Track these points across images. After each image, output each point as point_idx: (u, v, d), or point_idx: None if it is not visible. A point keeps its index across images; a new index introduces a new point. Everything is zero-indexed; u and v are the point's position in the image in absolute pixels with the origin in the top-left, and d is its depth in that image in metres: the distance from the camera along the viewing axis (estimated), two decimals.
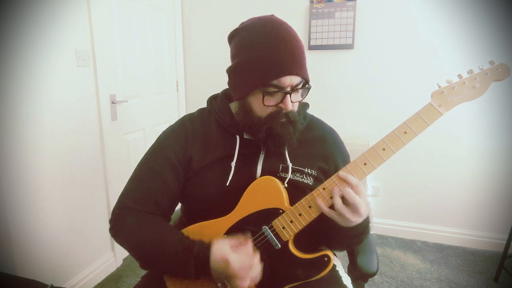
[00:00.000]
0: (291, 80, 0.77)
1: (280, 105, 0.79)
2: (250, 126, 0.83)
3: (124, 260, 2.13)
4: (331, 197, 0.78)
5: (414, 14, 2.16)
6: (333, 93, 2.42)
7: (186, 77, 2.75)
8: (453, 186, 2.29)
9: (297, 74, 0.77)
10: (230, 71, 0.84)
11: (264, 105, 0.78)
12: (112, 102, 1.95)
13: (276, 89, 0.77)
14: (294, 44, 0.77)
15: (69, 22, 1.63)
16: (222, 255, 0.73)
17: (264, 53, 0.76)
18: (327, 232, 0.84)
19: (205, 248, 0.76)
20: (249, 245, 0.76)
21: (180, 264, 0.76)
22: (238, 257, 0.73)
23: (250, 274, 0.74)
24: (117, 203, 0.87)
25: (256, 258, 0.76)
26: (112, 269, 2.04)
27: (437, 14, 2.11)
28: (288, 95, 0.78)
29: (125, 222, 0.84)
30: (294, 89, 0.78)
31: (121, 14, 1.99)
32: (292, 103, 0.79)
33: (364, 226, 0.82)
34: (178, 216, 1.08)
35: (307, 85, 0.81)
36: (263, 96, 0.77)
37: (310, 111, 1.00)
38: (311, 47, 2.37)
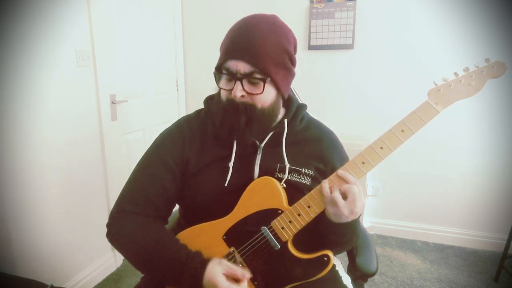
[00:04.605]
0: (237, 65, 0.77)
1: (233, 91, 0.79)
2: (216, 111, 0.86)
3: (124, 260, 2.13)
4: None
5: (414, 14, 2.16)
6: (332, 93, 2.42)
7: (186, 77, 2.75)
8: (453, 186, 2.29)
9: (244, 61, 0.77)
10: None
11: (222, 89, 0.82)
12: (112, 102, 1.95)
13: (226, 73, 0.79)
14: (255, 36, 0.77)
15: (69, 22, 1.63)
16: (213, 280, 0.73)
17: (224, 38, 0.82)
18: (320, 230, 0.84)
19: (201, 264, 0.76)
20: (245, 283, 0.75)
21: (175, 277, 0.76)
22: (228, 287, 0.72)
23: None
24: (114, 207, 0.87)
25: None
26: (112, 269, 2.04)
27: (436, 13, 2.11)
28: (237, 81, 0.78)
29: (122, 227, 0.84)
30: (247, 76, 0.78)
31: (121, 14, 1.99)
32: (249, 94, 0.79)
33: (354, 227, 0.82)
34: (176, 218, 1.08)
35: (265, 78, 0.78)
36: (220, 77, 0.82)
37: (310, 110, 1.00)
38: (311, 47, 2.37)
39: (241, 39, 0.78)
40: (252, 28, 0.78)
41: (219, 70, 0.82)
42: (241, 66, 0.77)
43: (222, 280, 0.73)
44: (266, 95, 0.81)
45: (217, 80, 0.85)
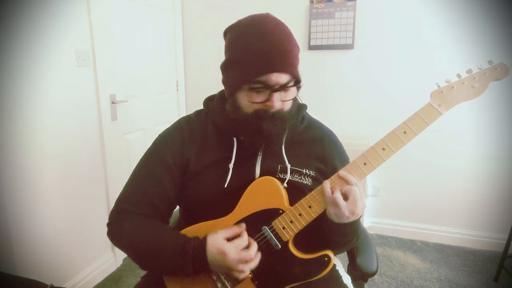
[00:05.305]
0: (278, 77, 0.75)
1: (267, 103, 0.78)
2: (238, 123, 0.82)
3: (124, 260, 2.13)
4: None
5: (414, 14, 2.16)
6: (333, 93, 2.42)
7: (186, 77, 2.75)
8: (453, 186, 2.29)
9: (285, 72, 0.76)
10: (222, 67, 0.85)
11: (250, 102, 0.78)
12: (112, 102, 1.95)
13: (262, 86, 0.76)
14: (285, 42, 0.76)
15: (69, 22, 1.63)
16: (218, 247, 0.74)
17: (253, 49, 0.75)
18: (320, 230, 0.84)
19: (200, 243, 0.76)
20: (245, 235, 0.76)
21: (178, 262, 0.76)
22: (234, 247, 0.74)
23: (249, 264, 0.75)
24: (114, 207, 0.88)
25: (254, 246, 0.76)
26: (112, 269, 2.04)
27: (437, 13, 2.11)
28: (275, 93, 0.77)
29: (122, 226, 0.84)
30: (283, 87, 0.77)
31: (121, 14, 1.99)
32: (282, 102, 0.79)
33: (355, 227, 0.82)
34: (176, 219, 1.08)
35: (297, 84, 0.80)
36: (253, 92, 0.77)
37: (310, 110, 1.00)
38: (311, 47, 2.37)
39: (277, 49, 0.75)
40: (279, 34, 0.76)
41: (248, 83, 0.77)
42: (283, 78, 0.76)
43: (227, 245, 0.73)
44: (292, 98, 0.83)
45: (236, 91, 0.80)
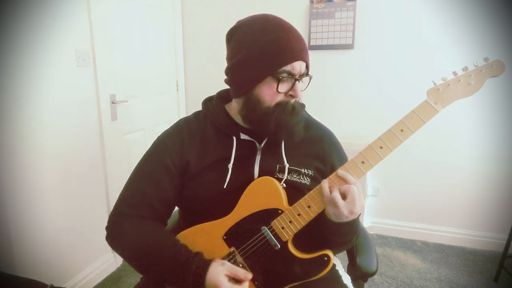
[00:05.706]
0: (300, 66, 0.79)
1: (291, 92, 0.81)
2: (257, 119, 0.82)
3: (124, 260, 2.12)
4: None
5: (414, 14, 2.16)
6: (332, 93, 2.42)
7: (186, 77, 2.75)
8: (453, 186, 2.29)
9: (304, 60, 0.80)
10: (233, 66, 0.83)
11: (277, 92, 0.79)
12: (112, 102, 1.95)
13: (288, 75, 0.79)
14: (299, 33, 0.82)
15: (69, 22, 1.63)
16: (215, 281, 0.73)
17: (275, 40, 0.77)
18: (320, 229, 0.84)
19: (203, 265, 0.76)
20: (246, 283, 0.75)
21: (178, 278, 0.76)
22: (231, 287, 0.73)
23: None
24: (113, 210, 0.87)
25: None
26: (112, 269, 2.04)
27: (437, 13, 2.11)
28: (297, 82, 0.80)
29: (121, 229, 0.84)
30: (302, 76, 0.81)
31: (121, 14, 1.99)
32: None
33: (354, 227, 0.82)
34: (175, 219, 1.08)
35: (309, 74, 0.84)
36: (278, 82, 0.78)
37: (310, 110, 1.00)
38: (311, 47, 2.37)
39: (296, 40, 0.79)
40: (293, 28, 0.81)
41: (274, 74, 0.78)
42: (303, 66, 0.81)
43: (224, 281, 0.73)
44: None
45: (255, 86, 0.80)
